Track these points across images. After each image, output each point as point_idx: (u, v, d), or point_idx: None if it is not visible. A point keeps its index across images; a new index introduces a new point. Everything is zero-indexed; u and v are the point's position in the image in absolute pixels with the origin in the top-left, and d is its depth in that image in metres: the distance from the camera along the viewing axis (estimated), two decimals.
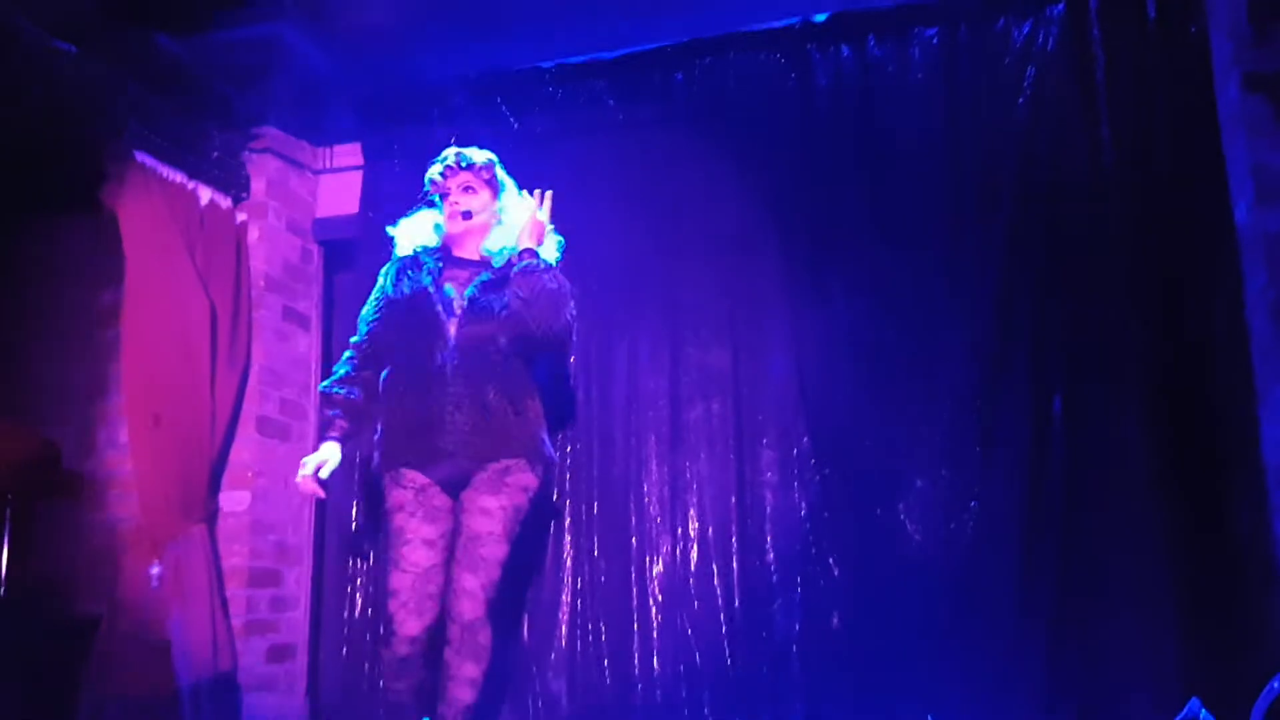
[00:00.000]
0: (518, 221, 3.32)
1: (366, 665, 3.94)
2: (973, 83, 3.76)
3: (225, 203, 4.02)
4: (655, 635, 3.70)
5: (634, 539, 3.78)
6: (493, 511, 3.09)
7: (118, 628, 3.46)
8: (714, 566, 3.69)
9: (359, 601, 4.05)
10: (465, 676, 3.05)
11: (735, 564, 3.68)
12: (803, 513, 3.64)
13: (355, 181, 4.34)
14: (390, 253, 4.15)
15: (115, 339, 3.79)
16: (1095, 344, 3.48)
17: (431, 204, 3.42)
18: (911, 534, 3.55)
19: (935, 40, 3.82)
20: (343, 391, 3.26)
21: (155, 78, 3.75)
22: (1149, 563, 3.29)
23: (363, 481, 4.05)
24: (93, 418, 4.00)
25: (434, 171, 3.35)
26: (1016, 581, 3.40)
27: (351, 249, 4.29)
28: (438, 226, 3.39)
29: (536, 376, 3.28)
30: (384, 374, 3.23)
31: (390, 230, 3.46)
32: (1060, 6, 3.70)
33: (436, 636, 3.07)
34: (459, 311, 3.18)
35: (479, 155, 3.35)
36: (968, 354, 3.57)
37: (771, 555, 3.65)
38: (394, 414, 3.16)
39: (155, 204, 3.71)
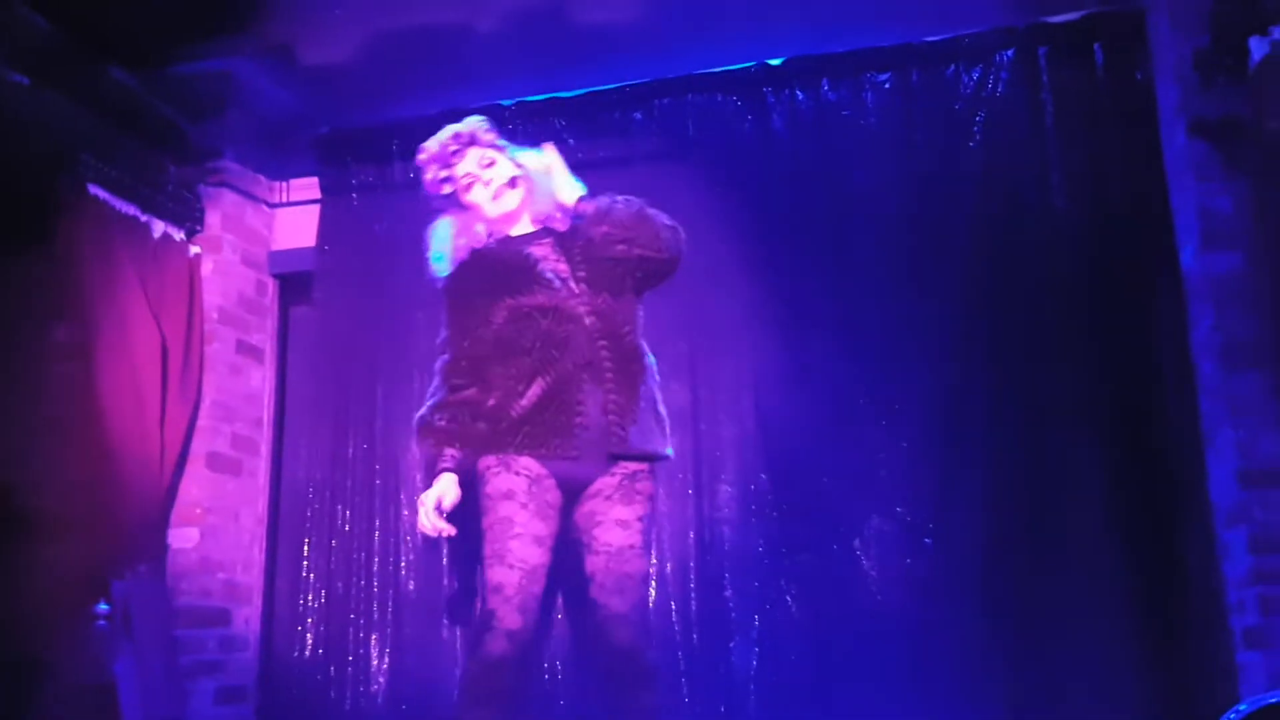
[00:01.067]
0: (539, 168, 3.04)
1: (319, 707, 3.86)
2: (925, 126, 3.83)
3: (179, 236, 3.98)
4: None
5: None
6: (631, 523, 2.78)
7: (64, 669, 3.38)
8: (672, 604, 3.68)
9: (310, 641, 3.98)
10: (650, 707, 2.73)
11: (693, 601, 3.67)
12: (761, 550, 3.65)
13: (312, 215, 4.32)
14: (346, 286, 4.18)
15: (65, 375, 3.72)
16: (1048, 384, 3.54)
17: (456, 207, 3.05)
18: (868, 571, 3.57)
19: (888, 85, 3.90)
20: (446, 422, 2.89)
21: (110, 111, 3.72)
22: (1105, 600, 3.34)
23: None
24: (40, 454, 3.90)
25: (435, 171, 3.01)
26: (972, 619, 3.43)
27: (308, 282, 4.27)
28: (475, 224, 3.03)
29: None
30: (495, 373, 2.85)
31: (432, 257, 3.08)
32: (1010, 53, 3.79)
33: (533, 644, 2.86)
34: (578, 292, 2.86)
35: (473, 123, 3.04)
36: (925, 392, 3.62)
37: (730, 592, 3.64)
38: (515, 403, 2.78)
39: (108, 238, 3.66)
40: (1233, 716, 2.17)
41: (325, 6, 3.80)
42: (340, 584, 3.99)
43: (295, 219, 4.38)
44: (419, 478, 3.95)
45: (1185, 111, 3.25)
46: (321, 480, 4.08)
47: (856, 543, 3.59)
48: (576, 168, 4.02)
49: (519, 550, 2.70)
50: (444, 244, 3.06)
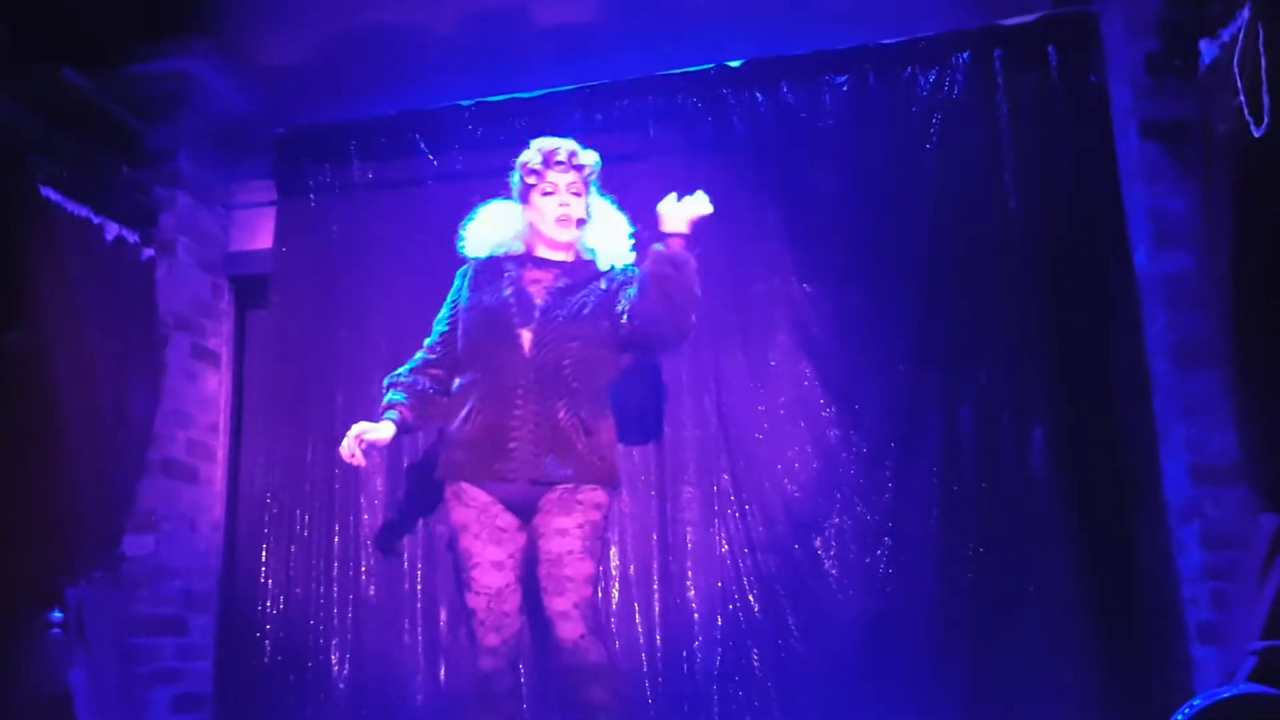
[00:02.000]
0: (603, 220, 3.22)
1: (277, 716, 3.82)
2: (883, 129, 3.85)
3: (133, 238, 3.92)
4: None
5: None
6: (569, 531, 2.94)
7: (18, 678, 3.32)
8: (635, 604, 3.68)
9: (268, 648, 3.93)
10: (595, 703, 2.88)
11: (657, 602, 3.68)
12: (723, 550, 3.66)
13: (269, 217, 4.28)
14: (305, 288, 4.14)
15: (16, 380, 3.65)
16: (1004, 383, 3.58)
17: (523, 195, 3.18)
18: (829, 570, 3.60)
19: (846, 87, 3.92)
20: (408, 379, 3.14)
21: (62, 111, 3.66)
22: (1060, 596, 3.38)
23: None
24: None
25: (534, 160, 3.13)
26: (931, 617, 3.46)
27: (264, 285, 4.22)
28: (521, 227, 3.20)
29: (613, 394, 3.16)
30: (457, 382, 3.11)
31: (466, 229, 3.28)
32: (966, 55, 3.82)
33: (519, 651, 3.10)
34: (536, 319, 3.04)
35: (590, 157, 3.18)
36: (883, 391, 3.65)
37: (693, 592, 3.65)
38: (460, 426, 3.02)
39: (60, 240, 3.60)
40: (1187, 711, 2.20)
41: (282, 6, 3.76)
42: (299, 590, 3.95)
43: (252, 221, 4.33)
44: (379, 481, 3.93)
45: (1137, 114, 3.30)
46: (280, 486, 4.04)
47: (818, 542, 3.61)
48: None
49: (481, 578, 3.00)
50: (489, 228, 3.25)
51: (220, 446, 4.19)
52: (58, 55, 3.67)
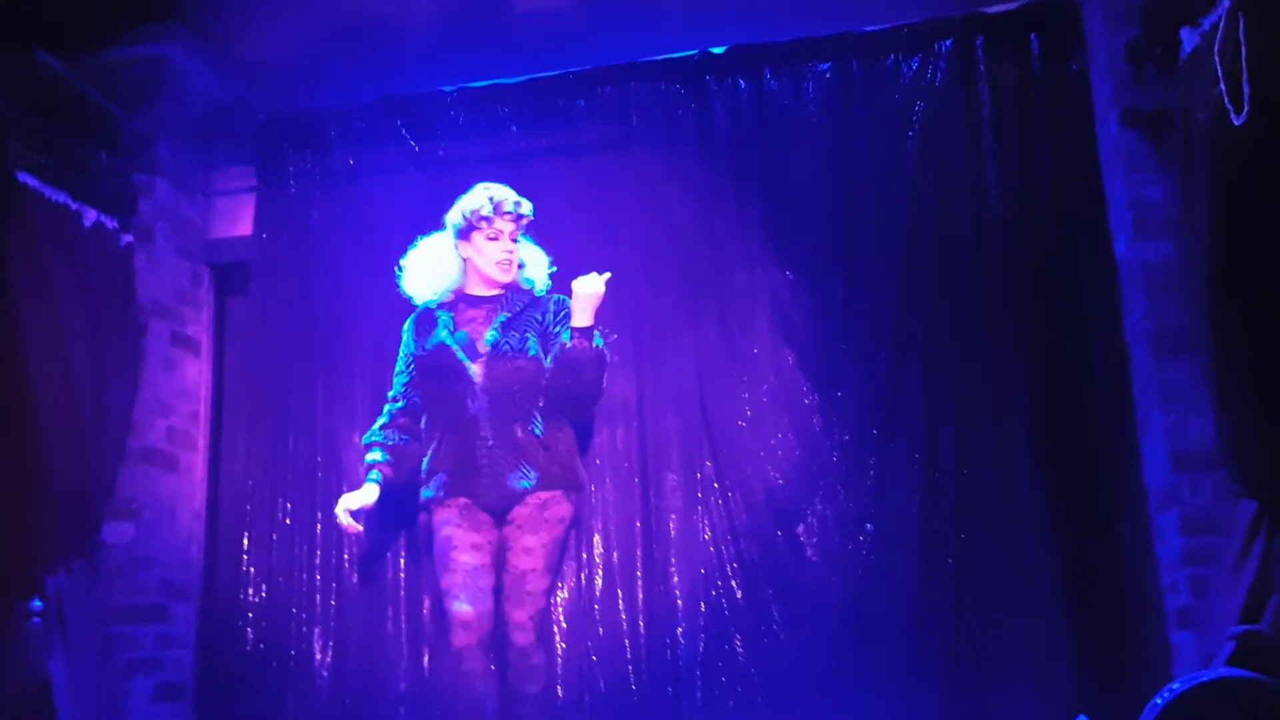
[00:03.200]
0: (528, 255, 3.51)
1: (260, 704, 3.81)
2: (865, 116, 3.86)
3: (112, 225, 3.87)
4: (559, 662, 3.67)
5: None
6: (534, 550, 3.25)
7: None
8: (619, 592, 3.69)
9: (250, 637, 3.92)
10: (527, 694, 3.24)
11: (640, 590, 3.69)
12: (706, 537, 3.68)
13: (249, 203, 4.25)
14: (285, 275, 4.12)
15: None
16: (984, 371, 3.60)
17: (465, 234, 3.42)
18: (811, 557, 3.62)
19: (829, 75, 3.92)
20: (381, 437, 3.46)
21: (39, 97, 3.61)
22: (1039, 581, 3.41)
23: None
24: None
25: (486, 208, 3.39)
26: (912, 602, 3.49)
27: (245, 272, 4.20)
28: (460, 270, 3.46)
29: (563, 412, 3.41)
30: (423, 422, 3.44)
31: (404, 264, 3.53)
32: (949, 43, 3.83)
33: (492, 631, 3.20)
34: (483, 353, 3.34)
35: (529, 206, 3.45)
36: (864, 379, 3.66)
37: (676, 580, 3.67)
38: (438, 457, 3.35)
39: (37, 227, 3.55)
40: (1166, 694, 2.22)
41: None
42: (282, 579, 3.93)
43: (232, 208, 4.30)
44: (361, 470, 3.92)
45: (1118, 102, 3.31)
46: (261, 474, 4.02)
47: (800, 529, 3.63)
48: (519, 156, 4.05)
49: (459, 556, 3.25)
50: (428, 273, 3.50)
51: (201, 434, 4.16)
52: (34, 39, 3.63)
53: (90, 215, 3.79)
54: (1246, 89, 2.57)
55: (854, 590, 3.54)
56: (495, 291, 3.46)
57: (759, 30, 3.91)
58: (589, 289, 3.27)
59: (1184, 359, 3.09)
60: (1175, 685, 2.23)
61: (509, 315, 3.41)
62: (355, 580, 3.89)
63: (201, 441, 4.17)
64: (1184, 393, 3.09)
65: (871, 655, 3.47)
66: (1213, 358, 2.80)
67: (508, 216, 3.39)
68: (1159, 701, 2.21)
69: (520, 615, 3.23)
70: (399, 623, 3.83)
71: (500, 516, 3.31)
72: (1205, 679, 2.21)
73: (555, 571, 3.36)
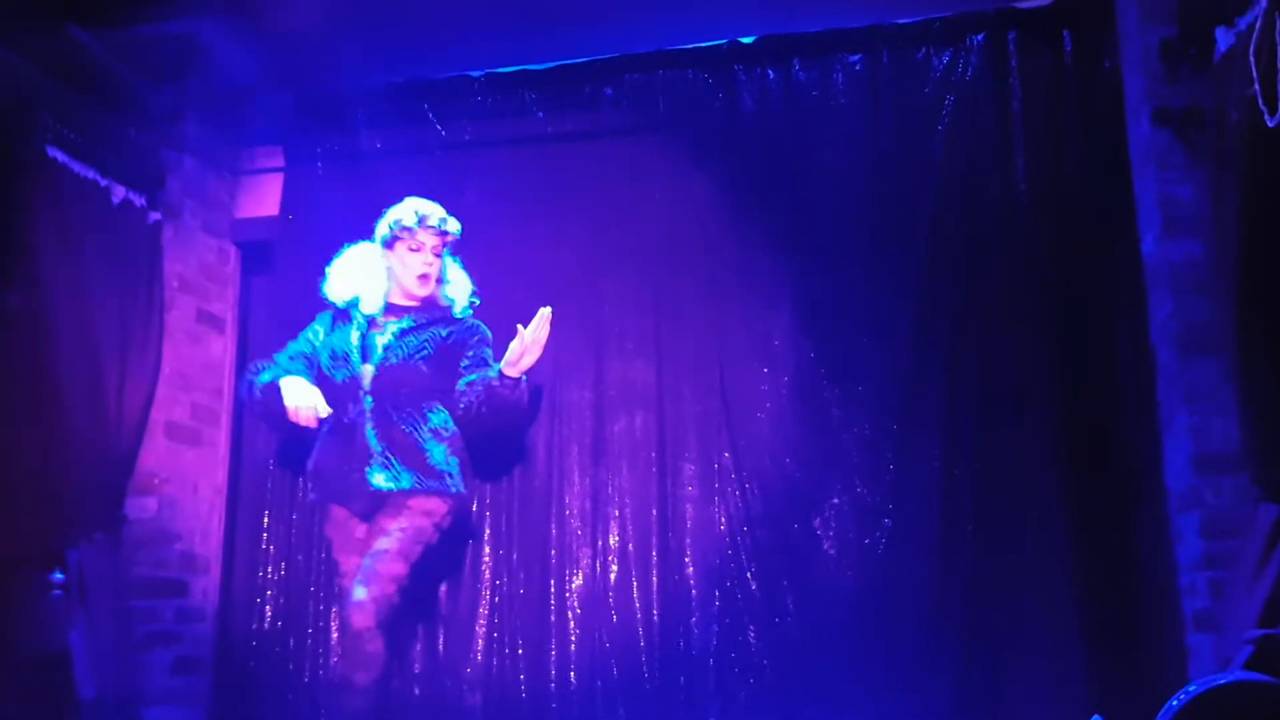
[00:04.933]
0: (452, 277, 3.63)
1: (276, 680, 3.85)
2: (894, 109, 3.85)
3: (140, 201, 3.89)
4: (573, 649, 3.69)
5: (554, 552, 3.77)
6: (391, 531, 3.29)
7: (18, 638, 3.33)
8: (634, 580, 3.70)
9: (269, 613, 3.96)
10: (355, 684, 3.16)
11: (655, 578, 3.70)
12: (723, 527, 3.68)
13: (276, 183, 4.25)
14: (310, 255, 4.12)
15: (19, 341, 3.65)
16: (1007, 368, 3.59)
17: (389, 244, 3.54)
18: (828, 550, 3.61)
19: (859, 66, 3.91)
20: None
21: (69, 71, 3.62)
22: (1056, 582, 3.40)
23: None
24: None
25: (410, 219, 3.49)
26: (927, 598, 3.48)
27: (270, 251, 4.22)
28: (383, 278, 3.57)
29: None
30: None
31: (329, 271, 3.64)
32: (980, 37, 3.81)
33: (390, 613, 3.21)
34: (378, 356, 3.45)
35: (455, 225, 3.55)
36: (886, 373, 3.65)
37: (691, 569, 3.67)
38: (320, 455, 3.48)
39: (66, 202, 3.58)
40: (1182, 697, 2.21)
41: None
42: (300, 556, 3.97)
43: (258, 187, 4.30)
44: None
45: (1150, 100, 3.28)
46: (282, 450, 4.05)
47: (817, 521, 3.63)
48: (545, 140, 4.05)
49: (344, 560, 3.42)
50: (353, 277, 3.60)
51: (224, 411, 4.18)
52: (64, 14, 3.64)
53: (119, 191, 3.81)
54: None
55: (870, 584, 3.53)
56: (413, 303, 3.57)
57: (789, 20, 3.90)
58: (536, 339, 3.35)
59: (1209, 360, 3.06)
60: (1192, 687, 2.22)
61: (412, 324, 3.52)
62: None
63: (224, 418, 4.19)
64: (1208, 394, 3.06)
65: (886, 649, 3.46)
66: (1238, 359, 2.78)
67: (431, 231, 3.49)
68: (1175, 703, 2.20)
69: (362, 593, 3.18)
70: (412, 604, 3.84)
71: (373, 519, 3.39)
72: (1222, 682, 2.20)
73: (410, 563, 3.29)
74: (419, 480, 3.34)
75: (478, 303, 3.69)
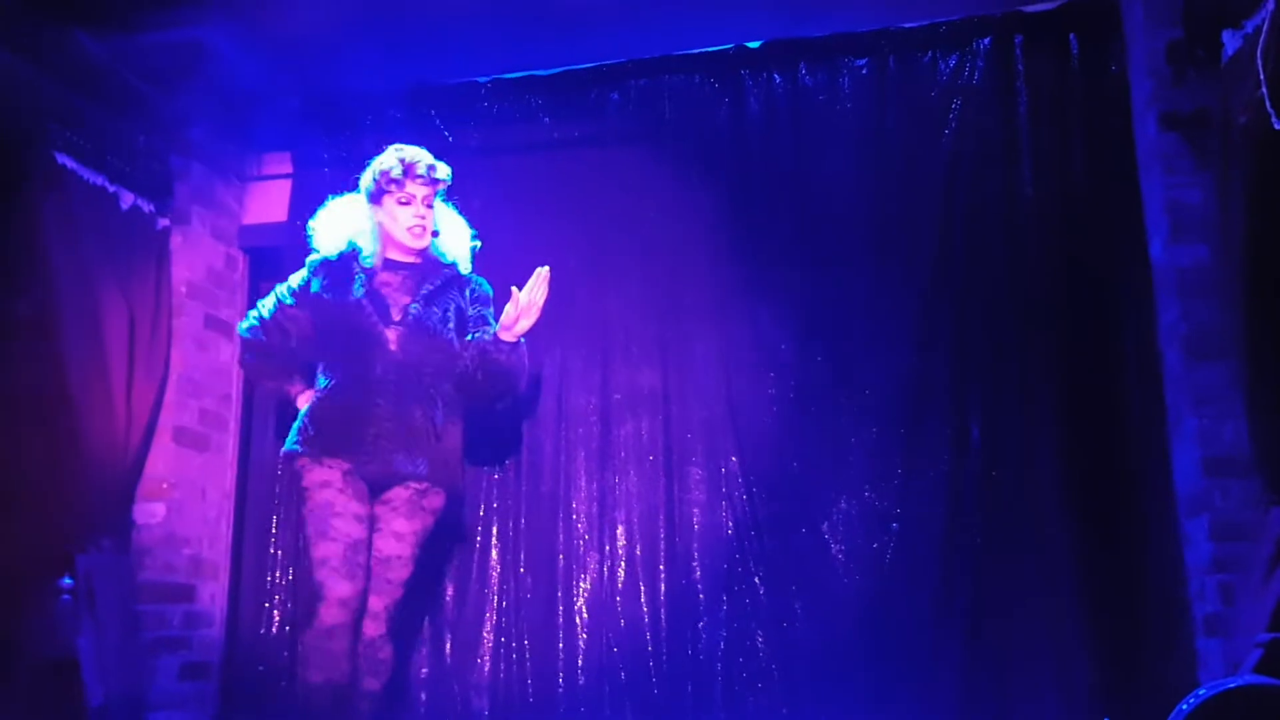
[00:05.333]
0: (446, 223, 3.35)
1: (283, 685, 3.85)
2: (900, 113, 3.85)
3: (148, 208, 3.92)
4: (580, 653, 3.69)
5: (561, 556, 3.78)
6: (405, 536, 3.13)
7: (27, 644, 3.34)
8: (641, 584, 3.70)
9: (276, 618, 3.96)
10: (366, 690, 3.07)
11: (662, 583, 3.69)
12: (730, 531, 3.68)
13: (284, 189, 4.28)
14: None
15: (28, 347, 3.66)
16: (1013, 372, 3.58)
17: (375, 198, 3.25)
18: (835, 554, 3.61)
19: (865, 71, 3.91)
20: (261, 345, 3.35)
21: (77, 78, 3.65)
22: (1062, 585, 3.39)
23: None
24: (3, 428, 3.84)
25: (396, 170, 3.20)
26: (934, 601, 3.48)
27: (278, 256, 4.20)
28: (374, 229, 3.26)
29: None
30: (319, 371, 3.23)
31: (313, 223, 3.39)
32: (987, 41, 3.81)
33: (363, 612, 3.05)
34: (398, 321, 3.17)
35: (445, 171, 3.27)
36: (892, 377, 3.65)
37: (699, 574, 3.67)
38: (324, 410, 3.14)
39: (75, 208, 3.60)
40: (1191, 701, 2.20)
41: None
42: (308, 561, 3.95)
43: (266, 193, 4.34)
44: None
45: (1156, 103, 3.28)
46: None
47: (824, 526, 3.62)
48: (552, 146, 4.06)
49: (341, 526, 3.04)
50: (340, 224, 3.33)
51: (232, 416, 4.20)
52: (73, 21, 3.66)
53: (127, 198, 3.83)
54: None
55: (877, 588, 3.53)
56: (411, 259, 3.28)
57: (795, 25, 3.90)
58: (532, 302, 3.12)
59: (1217, 363, 3.06)
60: (1201, 691, 2.21)
61: (431, 288, 3.24)
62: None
63: (233, 423, 4.21)
64: (1217, 397, 3.06)
65: (893, 654, 3.45)
66: (1247, 363, 2.77)
67: (419, 180, 3.20)
68: (1184, 707, 2.19)
69: (376, 603, 3.07)
70: (420, 608, 3.85)
71: (375, 493, 3.14)
72: (1231, 685, 2.19)
73: (417, 562, 3.17)
74: (433, 471, 3.13)
75: (479, 245, 3.44)
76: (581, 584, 3.74)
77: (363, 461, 3.08)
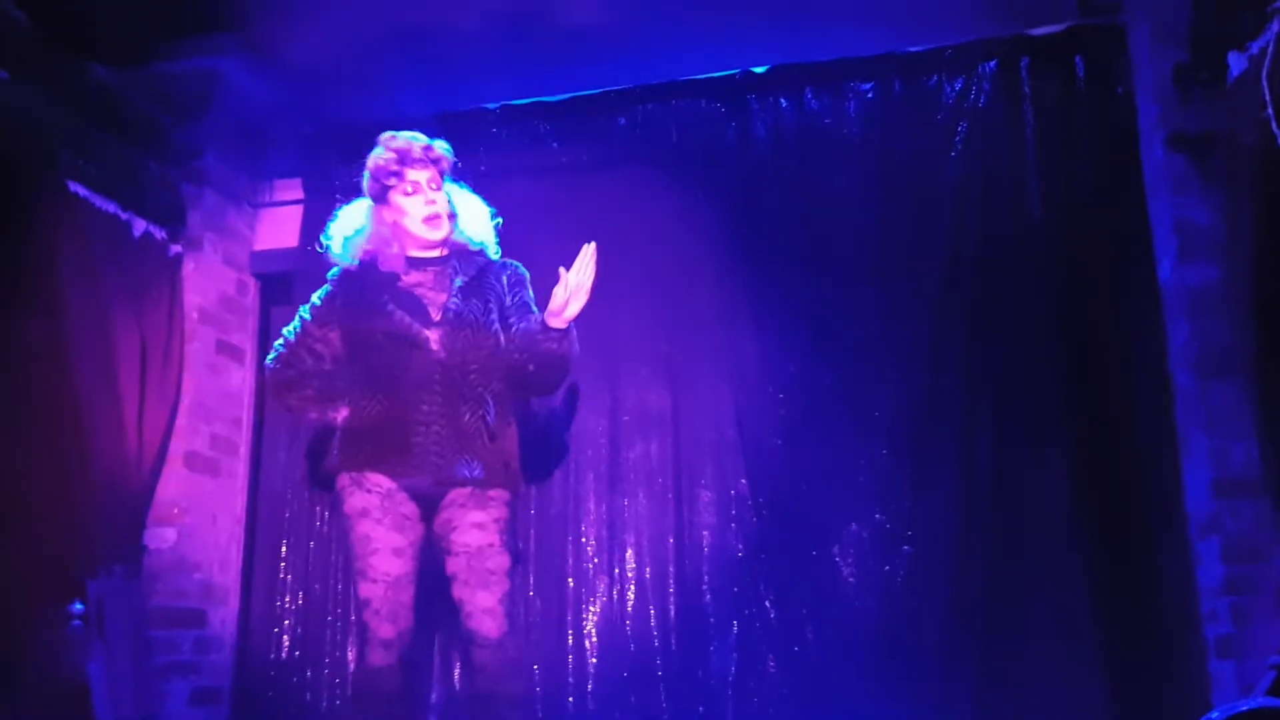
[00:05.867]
0: (465, 207, 3.16)
1: (294, 710, 3.85)
2: (906, 136, 3.86)
3: (160, 235, 3.96)
4: (590, 677, 3.67)
5: (570, 579, 3.77)
6: (486, 525, 2.89)
7: (38, 669, 3.35)
8: (651, 608, 3.69)
9: (286, 643, 3.96)
10: (506, 695, 2.85)
11: (672, 605, 3.69)
12: (740, 554, 3.67)
13: (295, 215, 4.30)
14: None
15: (41, 373, 3.68)
16: (1022, 393, 3.57)
17: (380, 197, 3.08)
18: (846, 577, 3.59)
19: (870, 94, 3.92)
20: (297, 385, 3.08)
21: (91, 107, 3.69)
22: (1074, 607, 3.37)
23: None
24: (14, 453, 3.86)
25: (388, 160, 3.01)
26: (946, 624, 3.46)
27: (290, 282, 4.24)
28: (383, 227, 3.09)
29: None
30: (357, 388, 2.99)
31: (326, 236, 3.22)
32: (992, 64, 3.82)
33: (410, 648, 2.93)
34: (438, 320, 2.97)
35: (442, 146, 3.08)
36: (901, 400, 3.64)
37: (709, 597, 3.66)
38: (362, 419, 2.94)
39: (87, 236, 3.63)
40: None
41: (310, 5, 3.79)
42: (318, 586, 3.97)
43: (278, 219, 4.36)
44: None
45: (1164, 125, 3.28)
46: (300, 481, 4.07)
47: (835, 548, 3.61)
48: (560, 170, 4.08)
49: (380, 564, 2.87)
50: (352, 230, 3.14)
51: (243, 441, 4.21)
52: (87, 52, 3.71)
53: (139, 225, 3.87)
54: None
55: (889, 611, 3.51)
56: (436, 253, 3.09)
57: (800, 50, 3.92)
58: (580, 283, 2.86)
59: (1228, 384, 3.05)
60: (1214, 714, 2.20)
61: (466, 280, 3.03)
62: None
63: (243, 448, 4.22)
64: (1227, 418, 3.05)
65: (906, 678, 3.43)
66: (1257, 383, 2.77)
67: (417, 165, 3.01)
68: None
69: (487, 598, 2.84)
70: (431, 633, 3.84)
71: (427, 506, 2.94)
72: (1245, 708, 2.18)
73: (514, 555, 2.94)
74: (490, 473, 2.91)
75: (500, 222, 3.25)
76: (591, 607, 3.73)
77: (410, 474, 2.88)
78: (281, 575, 4.03)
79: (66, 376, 3.57)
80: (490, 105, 4.17)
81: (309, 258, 4.21)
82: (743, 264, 3.87)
